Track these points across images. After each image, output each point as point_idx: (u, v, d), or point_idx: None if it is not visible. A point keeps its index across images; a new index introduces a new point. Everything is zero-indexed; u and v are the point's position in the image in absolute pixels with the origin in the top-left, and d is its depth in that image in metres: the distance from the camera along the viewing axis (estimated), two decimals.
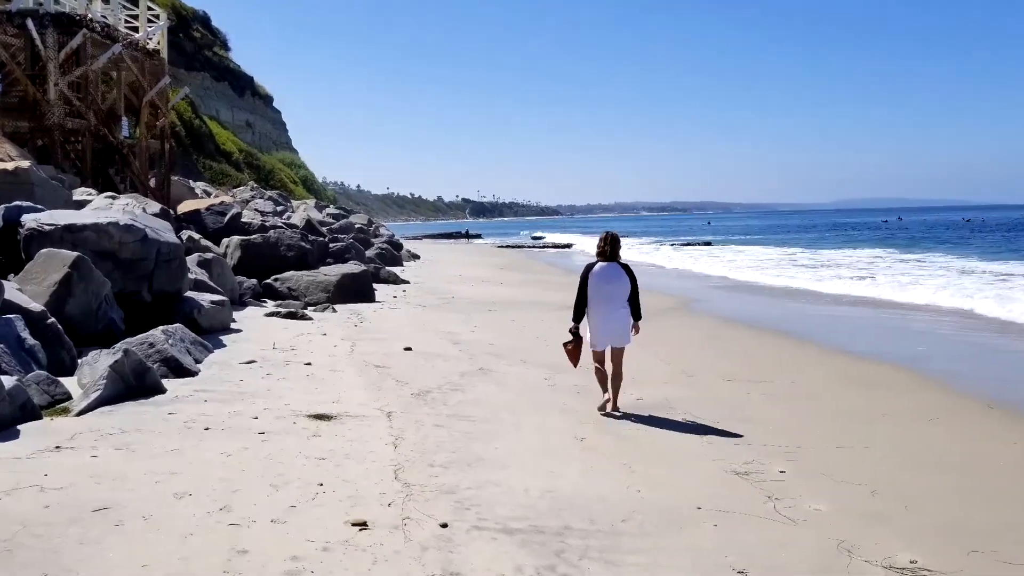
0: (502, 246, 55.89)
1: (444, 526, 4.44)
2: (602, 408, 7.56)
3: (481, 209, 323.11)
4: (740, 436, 6.80)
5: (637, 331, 7.72)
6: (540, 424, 6.96)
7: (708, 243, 54.37)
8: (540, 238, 66.96)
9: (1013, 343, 12.55)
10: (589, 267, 7.69)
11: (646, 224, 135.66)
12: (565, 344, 7.78)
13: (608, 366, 7.66)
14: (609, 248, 7.60)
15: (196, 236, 14.81)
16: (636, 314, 7.66)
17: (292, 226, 20.51)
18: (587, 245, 51.74)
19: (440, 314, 14.35)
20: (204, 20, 67.30)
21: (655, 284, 23.34)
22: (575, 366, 7.90)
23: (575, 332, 7.71)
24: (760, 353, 11.59)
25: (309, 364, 8.67)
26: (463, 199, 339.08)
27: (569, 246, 52.63)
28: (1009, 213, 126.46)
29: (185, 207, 19.58)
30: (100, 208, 13.86)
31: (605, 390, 7.66)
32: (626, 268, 7.66)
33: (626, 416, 7.47)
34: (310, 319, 12.17)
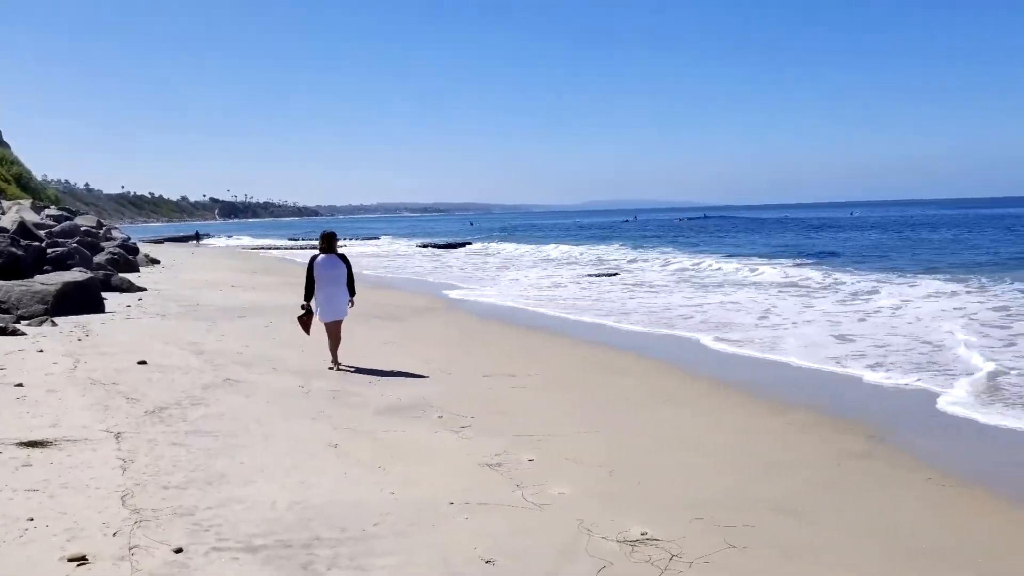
0: (256, 248, 53.52)
1: (179, 551, 4.09)
2: (331, 367, 9.66)
3: (232, 209, 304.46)
4: (494, 428, 7.00)
5: (353, 305, 10.07)
6: (292, 433, 6.67)
7: (467, 243, 55.71)
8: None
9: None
10: (314, 258, 9.94)
11: (410, 224, 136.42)
12: (299, 317, 9.88)
13: (332, 334, 9.82)
14: (326, 244, 9.93)
15: None
16: (351, 292, 10.00)
17: (2, 230, 17.99)
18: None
19: (182, 323, 13.32)
20: None
21: (413, 284, 23.49)
22: (307, 334, 9.98)
23: (306, 308, 9.85)
24: (516, 347, 12.06)
25: (20, 385, 7.62)
26: (211, 199, 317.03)
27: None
28: (734, 213, 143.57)
29: None
30: None
31: (335, 355, 9.77)
32: (343, 257, 10.02)
33: (357, 370, 9.59)
34: (23, 334, 10.74)
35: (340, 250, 10.22)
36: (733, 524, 4.85)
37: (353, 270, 10.13)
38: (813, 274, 23.57)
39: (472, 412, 7.62)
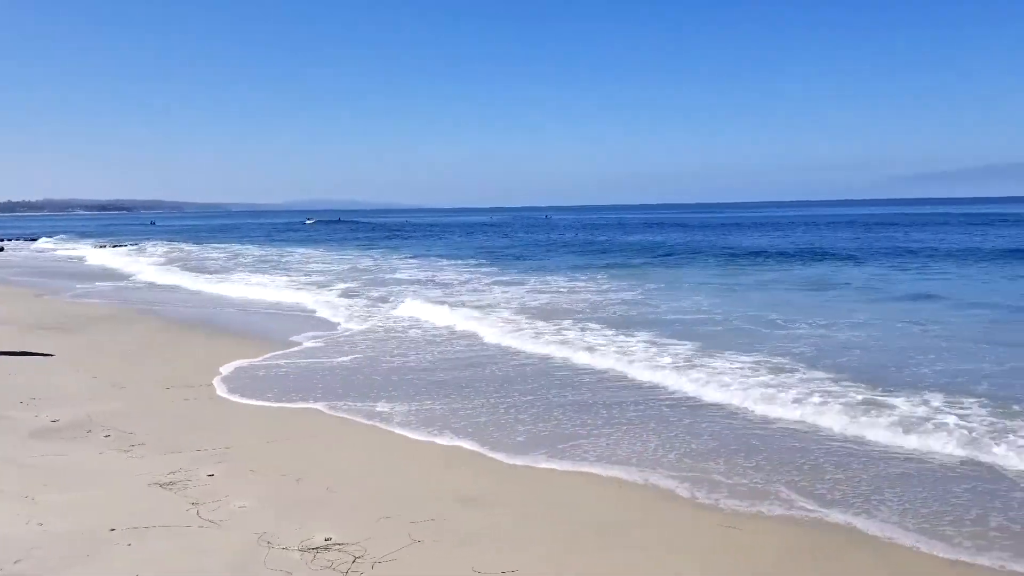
0: None
1: None
2: None
3: None
4: (171, 445, 6.49)
5: None
6: None
7: (146, 244, 51.18)
8: None
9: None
10: None
11: (82, 224, 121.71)
12: None
13: None
14: None
15: None
16: None
17: None
18: None
19: None
20: None
21: (85, 292, 21.04)
22: None
23: None
24: (202, 356, 11.26)
25: None
26: None
27: None
28: (430, 217, 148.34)
29: None
30: None
31: None
32: None
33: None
34: None
35: None
36: (418, 519, 4.98)
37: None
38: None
39: (146, 429, 7.00)
